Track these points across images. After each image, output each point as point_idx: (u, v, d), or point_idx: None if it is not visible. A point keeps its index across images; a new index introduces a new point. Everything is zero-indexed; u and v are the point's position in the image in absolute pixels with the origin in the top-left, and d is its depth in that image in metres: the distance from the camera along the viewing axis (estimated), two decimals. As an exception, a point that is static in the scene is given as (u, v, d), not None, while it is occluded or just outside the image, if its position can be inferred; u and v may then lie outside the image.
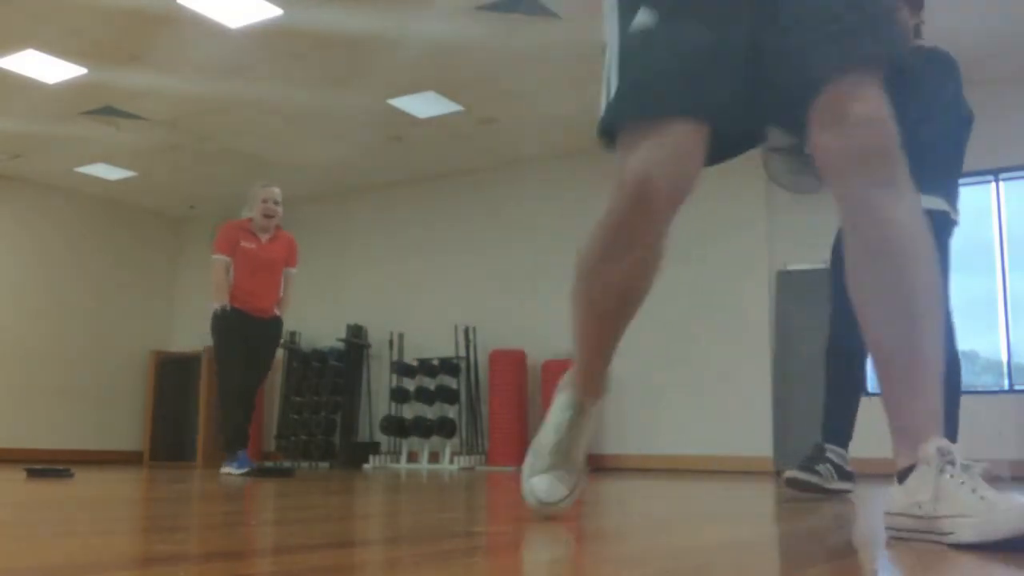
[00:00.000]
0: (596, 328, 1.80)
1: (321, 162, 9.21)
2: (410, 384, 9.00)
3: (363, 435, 9.38)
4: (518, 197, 9.12)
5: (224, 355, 5.62)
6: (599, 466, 8.08)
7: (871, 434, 3.68)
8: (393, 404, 8.95)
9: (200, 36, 6.43)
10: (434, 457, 8.67)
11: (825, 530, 1.84)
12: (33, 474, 4.48)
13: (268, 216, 5.67)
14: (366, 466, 8.67)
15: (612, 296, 1.74)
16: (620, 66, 1.68)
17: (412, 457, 8.82)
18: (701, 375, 7.77)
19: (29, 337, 9.82)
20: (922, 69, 3.49)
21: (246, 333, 5.60)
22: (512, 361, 8.31)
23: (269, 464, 8.43)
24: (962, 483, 1.37)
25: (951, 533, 1.35)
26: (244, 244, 5.64)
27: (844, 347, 3.36)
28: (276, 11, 6.09)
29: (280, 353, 7.25)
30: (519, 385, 8.28)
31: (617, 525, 1.94)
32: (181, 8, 6.03)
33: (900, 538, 1.47)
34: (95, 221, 10.57)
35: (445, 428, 8.53)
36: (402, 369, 8.99)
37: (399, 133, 8.40)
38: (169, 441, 10.44)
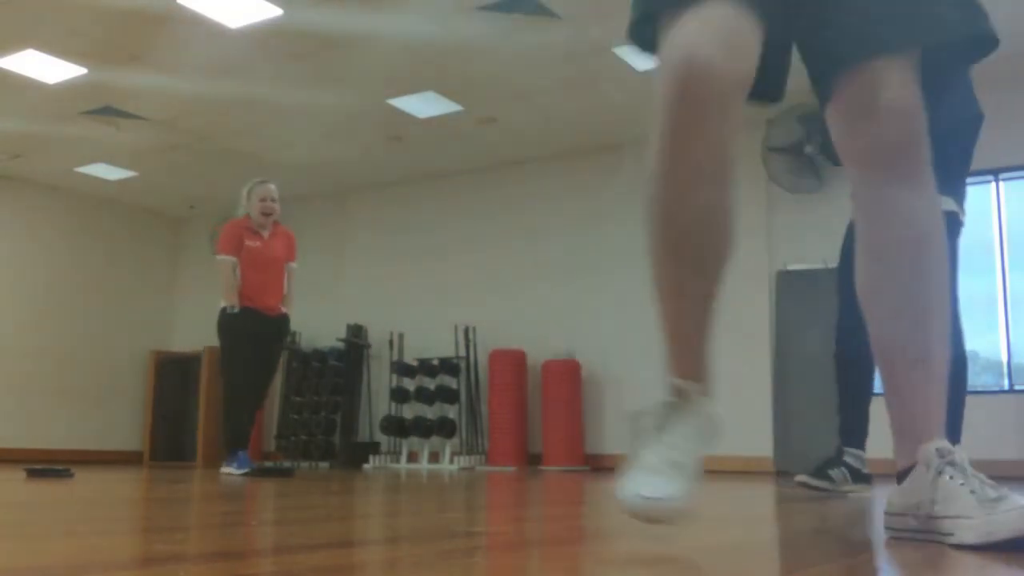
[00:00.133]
0: (678, 281, 1.49)
1: (321, 162, 9.21)
2: (410, 384, 8.99)
3: (363, 435, 9.38)
4: (518, 197, 9.12)
5: (231, 355, 5.62)
6: (599, 466, 8.08)
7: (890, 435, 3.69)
8: (393, 404, 8.95)
9: (200, 36, 6.43)
10: (434, 457, 8.67)
11: (825, 531, 1.84)
12: (33, 474, 4.48)
13: (266, 214, 5.68)
14: (366, 466, 8.66)
15: (689, 230, 1.44)
16: None
17: (412, 457, 8.82)
18: (701, 375, 7.76)
19: (29, 337, 9.81)
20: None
21: (256, 332, 5.60)
22: (512, 361, 8.31)
23: (269, 464, 8.43)
24: (961, 484, 1.36)
25: (951, 534, 1.35)
26: (249, 243, 5.64)
27: (854, 348, 3.36)
28: (276, 11, 6.09)
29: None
30: (519, 385, 8.28)
31: (617, 525, 1.94)
32: (181, 8, 6.02)
33: (899, 538, 1.47)
34: (95, 221, 10.56)
35: (445, 428, 8.53)
36: (402, 369, 8.99)
37: (399, 133, 8.40)
38: (169, 441, 10.44)
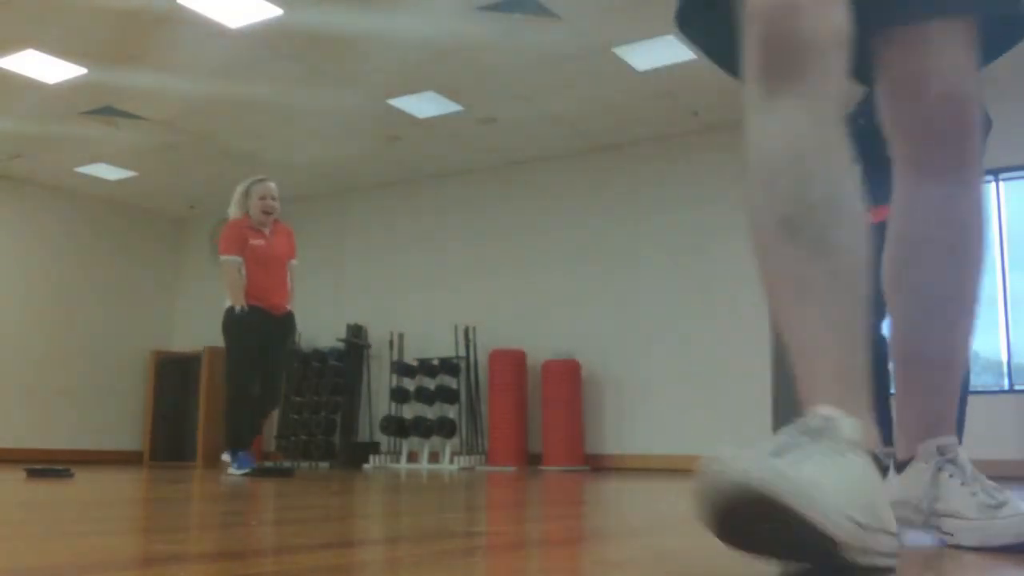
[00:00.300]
0: (795, 274, 1.14)
1: (321, 162, 9.22)
2: (410, 384, 8.99)
3: (363, 435, 9.38)
4: (518, 197, 9.12)
5: (237, 355, 5.60)
6: (599, 466, 8.08)
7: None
8: (393, 404, 8.95)
9: (200, 36, 6.43)
10: (434, 457, 8.67)
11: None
12: (33, 474, 4.48)
13: (267, 212, 5.68)
14: (366, 466, 8.66)
15: (800, 191, 1.14)
16: None
17: (412, 457, 8.82)
18: (701, 375, 7.77)
19: (29, 337, 9.82)
20: None
21: (263, 332, 5.59)
22: (512, 361, 8.31)
23: (269, 464, 8.42)
24: (962, 484, 1.34)
25: (951, 534, 1.35)
26: (253, 242, 5.62)
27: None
28: (276, 11, 6.09)
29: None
30: (519, 385, 8.28)
31: (617, 525, 1.94)
32: (181, 8, 6.02)
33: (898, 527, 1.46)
34: (95, 221, 10.56)
35: (445, 428, 8.53)
36: (402, 369, 8.99)
37: (399, 133, 8.40)
38: (169, 441, 10.44)
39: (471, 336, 8.82)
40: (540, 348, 8.39)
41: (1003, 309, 6.94)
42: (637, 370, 8.11)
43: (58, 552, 1.29)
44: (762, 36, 1.16)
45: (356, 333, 9.59)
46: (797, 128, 1.15)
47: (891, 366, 1.48)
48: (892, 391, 3.67)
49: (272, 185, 5.75)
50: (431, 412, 8.80)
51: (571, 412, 7.99)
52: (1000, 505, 1.30)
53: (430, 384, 8.84)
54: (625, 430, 8.10)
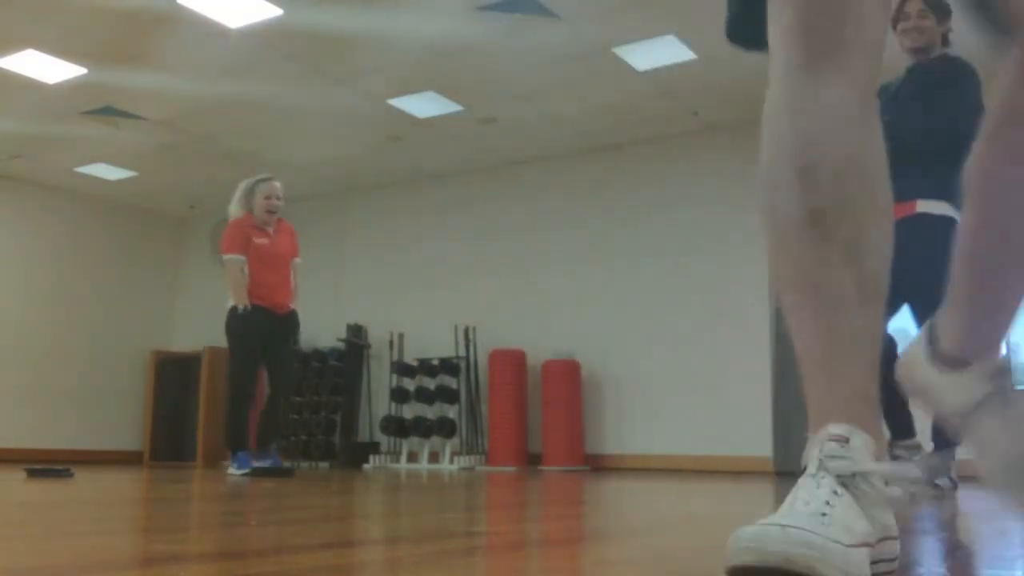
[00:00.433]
0: (821, 279, 1.05)
1: (321, 162, 9.21)
2: (410, 384, 8.99)
3: (363, 435, 9.38)
4: (518, 197, 9.12)
5: (240, 355, 5.59)
6: (599, 466, 8.08)
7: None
8: (393, 404, 8.95)
9: (200, 36, 6.43)
10: (434, 457, 8.67)
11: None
12: (33, 474, 4.48)
13: (271, 212, 5.68)
14: (366, 466, 8.66)
15: (824, 180, 1.04)
16: None
17: (412, 457, 8.82)
18: (701, 375, 7.77)
19: (29, 337, 9.82)
20: (941, 76, 3.51)
21: (266, 331, 5.58)
22: (512, 361, 8.31)
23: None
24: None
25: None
26: (256, 240, 5.63)
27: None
28: (276, 11, 6.09)
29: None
30: (519, 385, 8.28)
31: (617, 525, 1.94)
32: (181, 8, 6.02)
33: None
34: (95, 221, 10.56)
35: (445, 428, 8.53)
36: (402, 369, 8.99)
37: (399, 133, 8.40)
38: (169, 441, 10.44)
39: (471, 336, 8.82)
40: (540, 348, 8.39)
41: (1003, 309, 6.93)
42: (637, 370, 8.11)
43: (58, 552, 1.29)
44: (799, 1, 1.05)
45: (356, 333, 9.59)
46: (842, 110, 1.06)
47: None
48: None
49: (278, 185, 5.76)
50: (431, 412, 8.80)
51: (571, 412, 7.99)
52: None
53: (430, 384, 8.84)
54: (625, 430, 8.10)
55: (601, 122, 8.02)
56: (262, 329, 5.56)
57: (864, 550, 0.91)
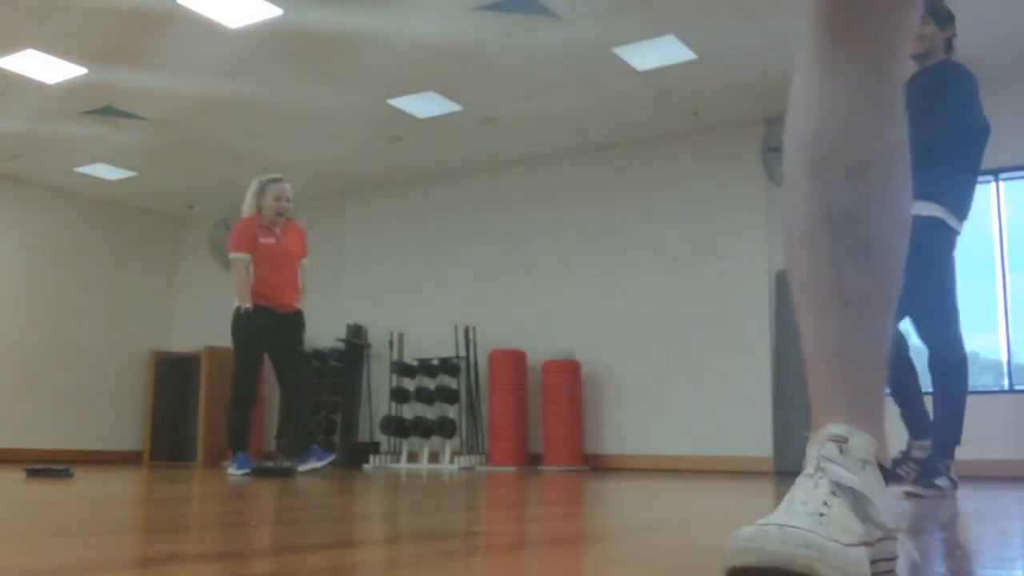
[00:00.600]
0: (836, 279, 1.02)
1: (321, 162, 9.21)
2: (410, 384, 8.99)
3: (363, 435, 9.38)
4: (518, 197, 9.12)
5: (244, 356, 5.61)
6: (599, 466, 8.08)
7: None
8: (393, 404, 8.95)
9: (200, 36, 6.43)
10: (434, 457, 8.67)
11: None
12: (33, 474, 4.48)
13: (280, 213, 5.71)
14: (366, 466, 8.66)
15: (836, 167, 1.01)
16: None
17: (412, 457, 8.82)
18: (701, 375, 7.77)
19: (29, 337, 9.81)
20: (934, 85, 3.53)
21: (271, 331, 5.60)
22: (512, 361, 8.31)
23: (269, 464, 8.41)
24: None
25: None
26: (263, 240, 5.65)
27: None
28: (276, 11, 6.09)
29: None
30: (519, 385, 8.28)
31: (617, 525, 1.94)
32: (181, 8, 6.02)
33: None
34: (95, 221, 10.56)
35: (445, 428, 8.53)
36: (402, 369, 8.99)
37: (399, 133, 8.40)
38: (169, 441, 10.44)
39: (471, 336, 8.82)
40: (540, 348, 8.39)
41: (1003, 309, 6.94)
42: (637, 370, 8.11)
43: (58, 552, 1.29)
44: None
45: (356, 333, 9.59)
46: (859, 101, 1.02)
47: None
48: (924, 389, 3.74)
49: (288, 186, 5.81)
50: (431, 412, 8.80)
51: (571, 412, 7.99)
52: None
53: (430, 384, 8.84)
54: (625, 430, 8.10)
55: (601, 122, 8.02)
56: (266, 329, 5.57)
57: (863, 549, 0.90)
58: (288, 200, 5.74)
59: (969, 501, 3.12)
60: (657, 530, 1.77)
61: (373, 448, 9.06)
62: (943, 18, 3.66)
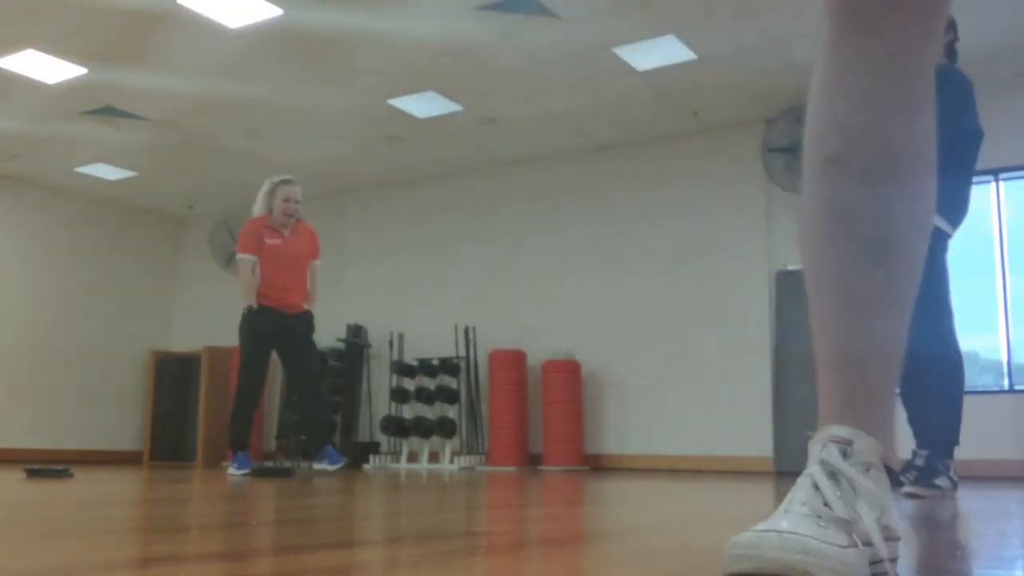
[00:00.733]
0: (851, 279, 0.99)
1: (321, 162, 9.21)
2: (410, 384, 8.99)
3: (363, 435, 9.38)
4: (518, 197, 9.12)
5: (247, 355, 5.65)
6: (599, 466, 8.08)
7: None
8: (393, 404, 8.95)
9: (200, 36, 6.43)
10: (434, 457, 8.67)
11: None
12: (33, 474, 4.48)
13: (288, 215, 5.75)
14: (366, 466, 8.66)
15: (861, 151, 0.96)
16: None
17: (412, 457, 8.82)
18: (701, 375, 7.77)
19: (29, 337, 9.82)
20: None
21: (275, 332, 5.63)
22: (512, 361, 8.31)
23: (269, 464, 8.42)
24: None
25: None
26: (269, 241, 5.69)
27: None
28: (276, 11, 6.09)
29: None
30: (519, 385, 8.28)
31: (617, 525, 1.94)
32: (181, 8, 6.02)
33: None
34: (95, 221, 10.56)
35: (445, 428, 8.53)
36: (402, 369, 8.99)
37: (399, 133, 8.40)
38: (169, 441, 10.44)
39: (471, 336, 8.82)
40: (540, 348, 8.39)
41: (1003, 309, 6.94)
42: (637, 370, 8.11)
43: (58, 552, 1.29)
44: None
45: (356, 333, 9.59)
46: (880, 90, 0.96)
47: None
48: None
49: (297, 188, 5.85)
50: (431, 412, 8.80)
51: (571, 412, 7.99)
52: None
53: (430, 384, 8.84)
54: (625, 430, 8.10)
55: (601, 122, 8.02)
56: (272, 329, 5.62)
57: (863, 550, 0.90)
58: (297, 202, 5.79)
59: (969, 501, 3.12)
60: (657, 530, 1.77)
61: (373, 448, 9.06)
62: (947, 23, 3.68)
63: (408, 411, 8.90)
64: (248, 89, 7.41)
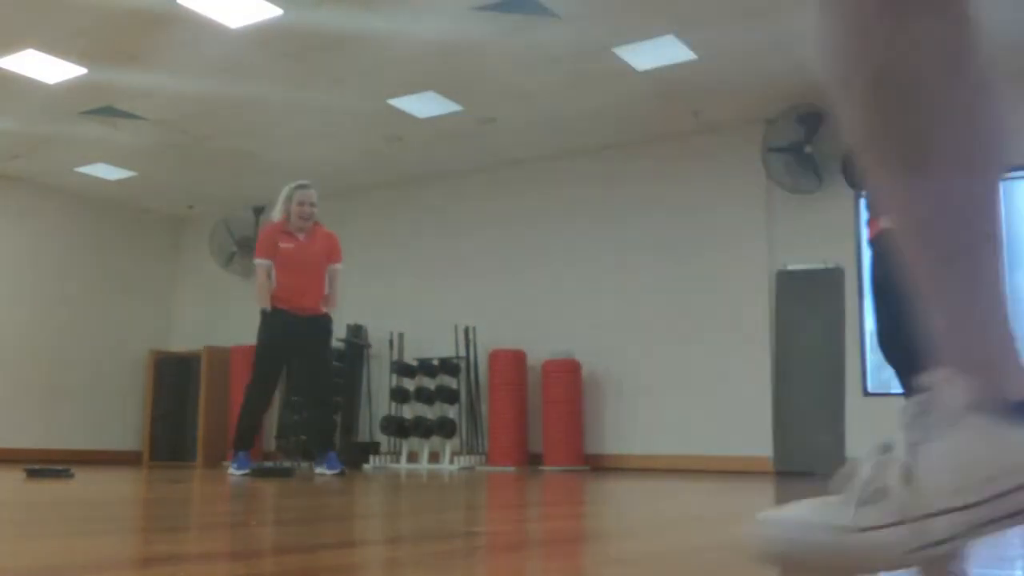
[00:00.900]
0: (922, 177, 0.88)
1: (321, 162, 9.21)
2: (410, 384, 8.99)
3: (363, 435, 9.38)
4: (518, 197, 9.12)
5: (260, 357, 5.79)
6: (599, 466, 8.08)
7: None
8: (393, 404, 8.95)
9: (200, 36, 6.43)
10: (434, 457, 8.67)
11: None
12: (33, 474, 4.48)
13: (304, 218, 5.82)
14: (366, 466, 8.66)
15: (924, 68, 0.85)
16: None
17: (412, 457, 8.82)
18: (701, 375, 7.77)
19: (28, 337, 9.81)
20: None
21: (288, 335, 5.71)
22: (512, 361, 8.31)
23: (269, 464, 8.42)
24: None
25: None
26: (283, 245, 5.81)
27: (899, 342, 3.28)
28: (276, 11, 6.09)
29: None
30: (519, 385, 8.28)
31: (617, 525, 1.94)
32: (181, 8, 6.02)
33: None
34: (95, 221, 10.56)
35: (445, 428, 8.53)
36: (402, 369, 8.99)
37: (399, 133, 8.40)
38: (169, 441, 10.44)
39: (471, 336, 8.82)
40: (540, 348, 8.38)
41: (1003, 309, 6.93)
42: (637, 370, 8.11)
43: (58, 552, 1.29)
44: None
45: (356, 333, 9.59)
46: (941, 59, 0.85)
47: None
48: None
49: (313, 192, 5.95)
50: (431, 412, 8.80)
51: (571, 412, 7.99)
52: None
53: (430, 384, 8.84)
54: (625, 430, 8.10)
55: (601, 122, 8.02)
56: (286, 332, 5.70)
57: (898, 530, 0.84)
58: (312, 205, 5.88)
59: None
60: (657, 530, 1.77)
61: (373, 448, 9.06)
62: None
63: (408, 411, 8.90)
64: (248, 89, 7.41)
